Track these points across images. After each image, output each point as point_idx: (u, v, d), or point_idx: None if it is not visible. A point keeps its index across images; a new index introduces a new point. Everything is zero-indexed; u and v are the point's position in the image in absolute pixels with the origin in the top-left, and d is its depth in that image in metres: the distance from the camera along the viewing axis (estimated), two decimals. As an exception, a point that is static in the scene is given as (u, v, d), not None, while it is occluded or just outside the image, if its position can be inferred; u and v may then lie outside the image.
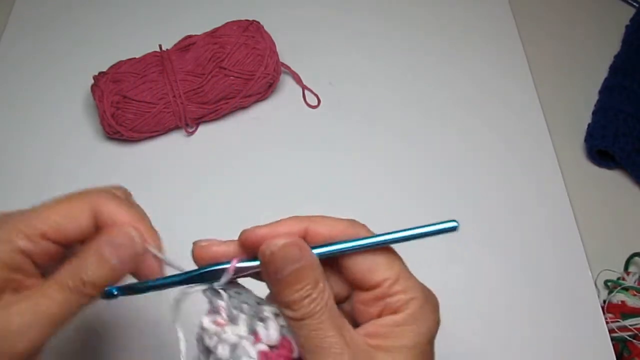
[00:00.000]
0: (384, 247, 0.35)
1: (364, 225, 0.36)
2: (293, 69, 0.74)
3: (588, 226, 0.66)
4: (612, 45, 0.81)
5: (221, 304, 0.34)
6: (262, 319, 0.34)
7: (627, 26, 0.83)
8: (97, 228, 0.37)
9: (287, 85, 0.74)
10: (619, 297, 0.61)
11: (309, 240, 0.35)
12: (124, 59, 0.69)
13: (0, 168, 0.68)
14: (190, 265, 0.36)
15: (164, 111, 0.67)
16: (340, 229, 0.35)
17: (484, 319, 0.60)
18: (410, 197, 0.67)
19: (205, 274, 0.35)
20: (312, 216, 0.36)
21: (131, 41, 0.73)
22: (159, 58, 0.68)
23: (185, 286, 0.35)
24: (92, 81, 0.68)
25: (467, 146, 0.71)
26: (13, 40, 0.78)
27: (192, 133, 0.70)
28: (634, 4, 0.86)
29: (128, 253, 0.36)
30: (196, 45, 0.68)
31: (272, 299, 0.35)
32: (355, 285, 0.35)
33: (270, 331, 0.33)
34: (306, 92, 0.74)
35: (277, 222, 0.36)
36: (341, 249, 0.34)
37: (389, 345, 0.33)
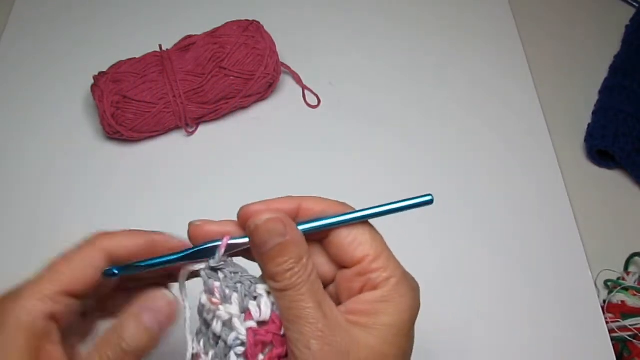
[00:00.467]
0: (368, 226, 0.36)
1: (353, 208, 0.37)
2: (293, 69, 0.74)
3: (588, 226, 0.66)
4: (612, 45, 0.81)
5: (215, 284, 0.35)
6: (255, 297, 0.35)
7: (627, 26, 0.83)
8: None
9: (287, 85, 0.74)
10: (619, 297, 0.61)
11: (301, 215, 0.36)
12: (124, 59, 0.69)
13: (0, 168, 0.68)
14: None
15: (164, 111, 0.67)
16: (330, 206, 0.37)
17: (484, 319, 0.60)
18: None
19: (201, 252, 0.36)
20: (305, 195, 0.38)
21: (131, 41, 0.73)
22: (159, 58, 0.68)
23: (184, 262, 0.37)
24: (92, 81, 0.68)
25: (467, 146, 0.71)
26: (13, 40, 0.78)
27: (192, 133, 0.70)
28: (634, 4, 0.86)
29: (166, 317, 0.35)
30: (196, 45, 0.68)
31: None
32: (339, 262, 0.37)
33: (262, 308, 0.34)
34: (306, 92, 0.74)
35: (272, 199, 0.37)
36: (325, 224, 0.36)
37: (367, 321, 0.34)
